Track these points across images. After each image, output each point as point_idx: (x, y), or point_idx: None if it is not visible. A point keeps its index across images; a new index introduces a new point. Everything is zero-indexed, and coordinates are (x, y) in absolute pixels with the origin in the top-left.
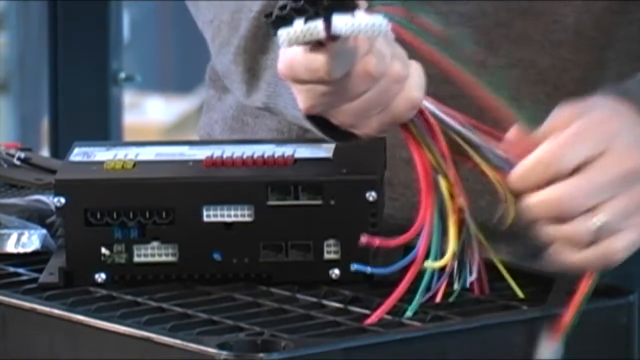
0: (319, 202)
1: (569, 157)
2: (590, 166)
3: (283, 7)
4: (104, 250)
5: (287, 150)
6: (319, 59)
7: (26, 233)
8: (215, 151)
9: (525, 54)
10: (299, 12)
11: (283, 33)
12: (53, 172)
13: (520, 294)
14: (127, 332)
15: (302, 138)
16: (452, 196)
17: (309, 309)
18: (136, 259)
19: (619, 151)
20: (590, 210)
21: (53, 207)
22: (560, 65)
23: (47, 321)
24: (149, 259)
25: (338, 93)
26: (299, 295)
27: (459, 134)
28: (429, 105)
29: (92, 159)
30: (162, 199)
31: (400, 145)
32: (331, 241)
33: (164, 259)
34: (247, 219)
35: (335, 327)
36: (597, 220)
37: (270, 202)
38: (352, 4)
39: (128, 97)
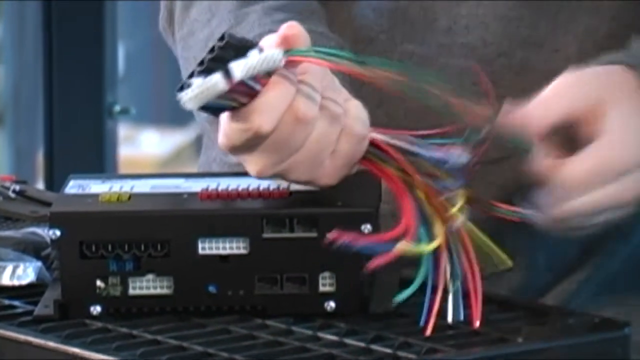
0: (314, 234)
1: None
2: None
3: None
4: (99, 282)
5: (282, 183)
6: (244, 118)
7: (21, 265)
8: (211, 184)
9: (528, 84)
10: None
11: (182, 95)
12: (48, 204)
13: (507, 262)
14: None
15: None
16: (429, 200)
17: (304, 342)
18: (131, 292)
19: None
20: None
21: (48, 240)
22: None
23: (43, 354)
24: (144, 292)
25: (278, 148)
26: (294, 328)
27: (415, 154)
28: (380, 135)
29: (87, 191)
30: (157, 231)
31: None
32: (326, 274)
33: (159, 291)
34: (243, 251)
35: None
36: None
37: (266, 235)
38: (246, 47)
39: (123, 130)
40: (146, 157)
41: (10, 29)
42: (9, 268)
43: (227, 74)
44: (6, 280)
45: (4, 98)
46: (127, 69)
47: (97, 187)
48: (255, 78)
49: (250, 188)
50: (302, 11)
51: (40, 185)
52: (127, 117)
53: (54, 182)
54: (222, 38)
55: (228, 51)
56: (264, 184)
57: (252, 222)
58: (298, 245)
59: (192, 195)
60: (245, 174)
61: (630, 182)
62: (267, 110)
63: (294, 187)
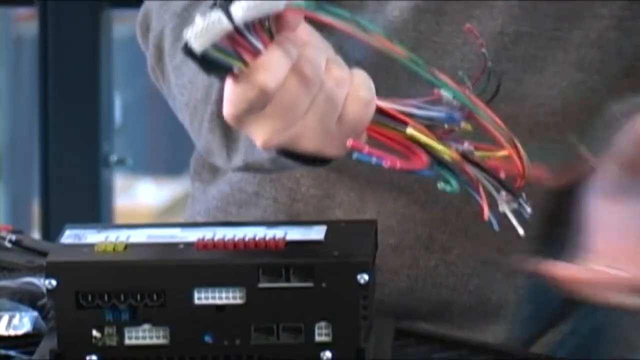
0: (310, 284)
1: None
2: None
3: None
4: (95, 332)
5: (278, 233)
6: (248, 76)
7: (17, 315)
8: (207, 234)
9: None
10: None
11: (188, 32)
12: (44, 254)
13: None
14: None
15: (292, 221)
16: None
17: None
18: (127, 342)
19: None
20: None
21: (44, 290)
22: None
23: None
24: (140, 342)
25: (285, 111)
26: None
27: (420, 117)
28: (386, 103)
29: (83, 241)
30: (153, 281)
31: (387, 231)
32: (322, 323)
33: (155, 341)
34: (239, 301)
35: None
36: None
37: (262, 285)
38: None
39: (119, 180)
40: (142, 207)
41: (6, 79)
42: (5, 318)
43: (229, 15)
44: (2, 330)
45: (0, 148)
46: (123, 119)
47: (93, 237)
48: (258, 36)
49: (247, 238)
50: None
51: (36, 235)
52: (124, 168)
53: (50, 231)
54: None
55: None
56: (259, 234)
57: (248, 272)
58: (294, 295)
59: (188, 245)
60: (240, 224)
61: None
62: (271, 67)
63: (290, 237)
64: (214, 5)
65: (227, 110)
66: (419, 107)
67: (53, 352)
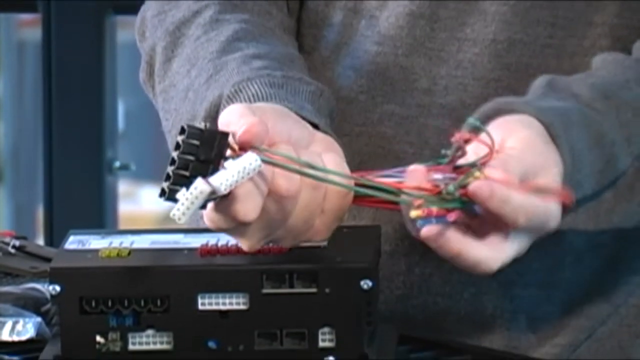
0: (313, 290)
1: None
2: None
3: (167, 178)
4: (99, 338)
5: None
6: (228, 209)
7: (21, 321)
8: (210, 239)
9: None
10: (180, 179)
11: (175, 213)
12: (48, 260)
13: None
14: None
15: None
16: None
17: None
18: (131, 347)
19: None
20: None
21: (48, 295)
22: None
23: None
24: (144, 347)
25: (267, 225)
26: None
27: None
28: (364, 175)
29: (87, 247)
30: (157, 287)
31: (383, 237)
32: (326, 329)
33: (159, 347)
34: (242, 307)
35: None
36: None
37: (265, 290)
38: (208, 134)
39: (123, 186)
40: (146, 213)
41: (9, 85)
42: (9, 324)
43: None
44: (6, 336)
45: (4, 154)
46: (127, 125)
47: (97, 242)
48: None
49: None
50: (281, 59)
51: (40, 240)
52: (127, 173)
53: (54, 237)
54: (182, 131)
55: (192, 142)
56: None
57: (252, 278)
58: (298, 300)
59: (192, 250)
60: None
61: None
62: (249, 198)
63: None
64: (180, 156)
65: (208, 224)
66: (390, 176)
67: (57, 358)
